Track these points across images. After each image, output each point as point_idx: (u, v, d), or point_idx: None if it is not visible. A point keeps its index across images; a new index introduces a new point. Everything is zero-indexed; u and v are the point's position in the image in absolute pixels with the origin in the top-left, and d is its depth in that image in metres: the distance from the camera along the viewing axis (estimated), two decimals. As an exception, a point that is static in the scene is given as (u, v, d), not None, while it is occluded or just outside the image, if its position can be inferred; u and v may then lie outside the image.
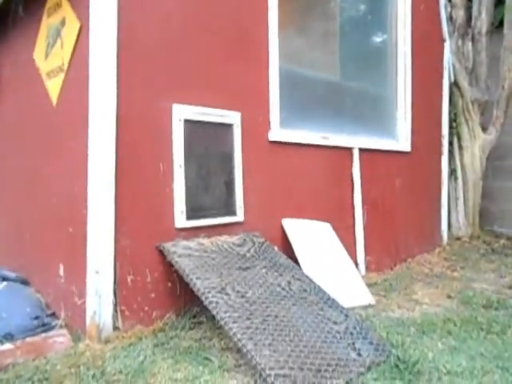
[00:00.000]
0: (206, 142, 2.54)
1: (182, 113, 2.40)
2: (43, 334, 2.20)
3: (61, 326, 2.31)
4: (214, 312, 1.91)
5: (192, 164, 2.45)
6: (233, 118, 2.66)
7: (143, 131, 2.29)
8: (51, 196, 2.53)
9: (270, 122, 2.90)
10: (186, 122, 2.42)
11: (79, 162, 2.18)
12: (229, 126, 2.64)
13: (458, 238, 5.01)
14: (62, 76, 2.39)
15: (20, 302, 2.45)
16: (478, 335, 2.16)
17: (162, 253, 2.29)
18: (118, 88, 2.16)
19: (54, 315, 2.43)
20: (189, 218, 2.40)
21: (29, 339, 2.14)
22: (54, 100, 2.47)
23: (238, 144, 2.67)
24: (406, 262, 3.95)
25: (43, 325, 2.31)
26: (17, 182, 3.02)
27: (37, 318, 2.34)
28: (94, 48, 2.12)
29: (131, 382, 1.71)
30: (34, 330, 2.25)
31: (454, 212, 5.14)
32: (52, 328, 2.29)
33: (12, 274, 2.71)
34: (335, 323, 2.07)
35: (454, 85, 5.00)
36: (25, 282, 2.74)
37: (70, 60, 2.32)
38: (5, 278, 2.66)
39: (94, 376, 1.74)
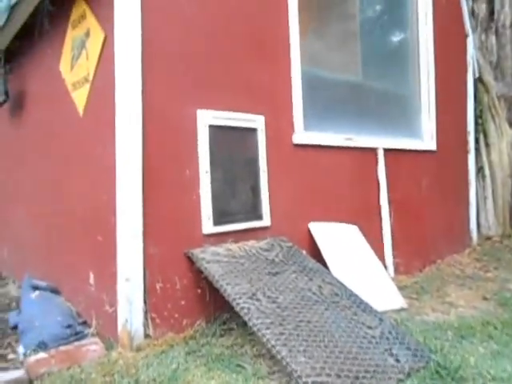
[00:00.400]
0: (231, 147, 2.53)
1: (206, 118, 2.40)
2: (76, 343, 2.21)
3: (92, 335, 2.32)
4: (246, 318, 1.89)
5: (217, 169, 2.44)
6: (257, 122, 2.64)
7: (169, 138, 2.29)
8: (79, 205, 2.56)
9: (293, 124, 2.87)
10: (211, 127, 2.41)
11: (107, 170, 2.20)
12: (253, 131, 2.62)
13: (489, 238, 4.86)
14: (87, 86, 2.42)
15: (52, 311, 2.47)
16: (520, 339, 2.07)
17: (190, 259, 2.28)
18: (143, 96, 2.17)
19: (85, 324, 2.45)
20: (216, 223, 2.39)
21: (62, 348, 2.16)
22: (81, 110, 2.50)
23: (262, 148, 2.65)
24: (436, 264, 3.84)
25: (76, 333, 2.32)
26: (45, 192, 3.07)
27: (69, 326, 2.35)
28: (119, 57, 2.14)
29: (166, 391, 1.69)
30: (67, 338, 2.26)
31: (483, 211, 4.99)
32: (84, 336, 2.30)
33: (43, 283, 2.74)
34: (370, 328, 2.01)
35: (479, 80, 4.88)
36: (55, 291, 2.77)
37: (96, 70, 2.35)
38: (36, 287, 2.69)
39: (128, 384, 1.74)
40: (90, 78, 2.39)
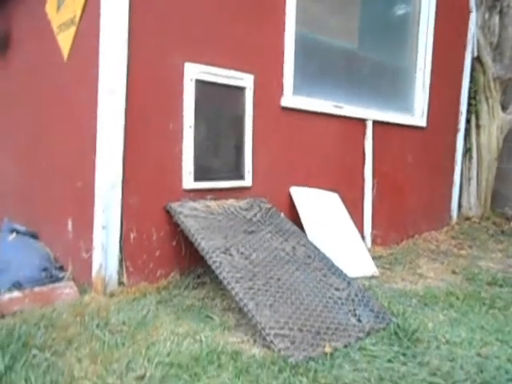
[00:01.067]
0: (218, 104, 2.50)
1: (194, 72, 2.35)
2: (51, 285, 2.25)
3: (68, 279, 2.36)
4: (217, 271, 1.93)
5: (202, 125, 2.42)
6: (246, 80, 2.60)
7: (154, 88, 2.25)
8: (61, 150, 2.54)
9: (283, 87, 2.84)
10: (198, 81, 2.37)
11: (88, 117, 2.17)
12: (241, 89, 2.59)
13: (468, 218, 4.95)
14: (73, 29, 2.35)
15: (29, 254, 2.50)
16: (480, 309, 2.16)
17: (168, 213, 2.31)
18: (129, 43, 2.12)
19: (61, 268, 2.48)
20: (197, 179, 2.40)
21: (37, 288, 2.20)
22: (66, 54, 2.44)
23: (249, 108, 2.63)
24: (413, 238, 3.93)
25: (51, 277, 2.36)
26: (27, 135, 3.03)
27: (45, 269, 2.39)
28: (106, 1, 2.07)
29: (134, 333, 1.74)
30: (42, 280, 2.31)
31: (466, 192, 5.06)
32: (59, 280, 2.35)
33: (22, 228, 2.76)
34: (337, 289, 2.08)
35: (477, 60, 4.82)
36: (34, 236, 2.79)
37: (82, 12, 2.27)
38: (15, 231, 2.71)
39: (98, 325, 1.79)
40: (77, 20, 2.32)
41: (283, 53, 2.84)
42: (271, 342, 1.66)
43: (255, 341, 1.76)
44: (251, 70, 2.64)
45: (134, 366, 1.52)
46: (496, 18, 4.91)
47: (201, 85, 2.39)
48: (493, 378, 1.50)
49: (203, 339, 1.72)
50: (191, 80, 2.35)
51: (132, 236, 2.20)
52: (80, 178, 2.32)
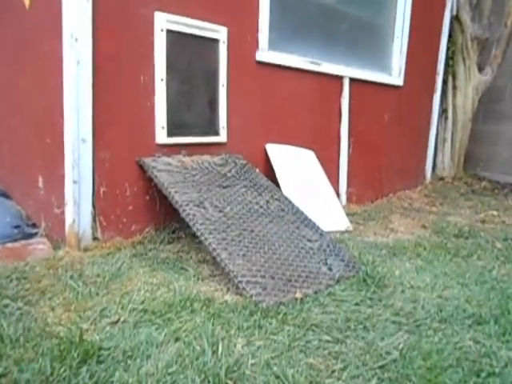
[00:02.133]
0: (191, 57, 2.43)
1: (164, 22, 2.27)
2: (23, 241, 2.24)
3: (41, 236, 2.34)
4: (191, 223, 1.95)
5: (175, 79, 2.36)
6: (220, 33, 2.53)
7: (123, 38, 2.17)
8: (28, 105, 2.45)
9: (258, 41, 2.77)
10: (170, 32, 2.29)
11: (54, 68, 2.08)
12: (215, 41, 2.51)
13: (441, 178, 5.08)
14: (34, -27, 2.21)
15: (0, 213, 2.46)
16: (444, 258, 2.26)
17: (142, 168, 2.28)
18: (94, -12, 2.01)
19: (34, 226, 2.46)
20: (170, 134, 2.36)
21: (9, 245, 2.19)
22: (27, 2, 2.30)
23: (223, 61, 2.56)
24: (388, 197, 4.03)
25: (23, 234, 2.34)
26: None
27: (17, 227, 2.37)
28: None
29: (108, 284, 1.76)
30: (14, 237, 2.28)
31: (441, 152, 5.16)
32: (32, 237, 2.33)
33: (-9, 186, 2.70)
34: (309, 241, 2.13)
35: (456, 19, 4.79)
36: (5, 195, 2.73)
37: (43, -46, 2.13)
38: (-16, 190, 2.65)
39: (71, 277, 1.80)
40: (37, -37, 2.18)
41: (258, 6, 2.75)
42: (243, 288, 1.71)
43: (228, 289, 1.81)
44: (225, 23, 2.56)
45: (107, 313, 1.54)
46: (476, -24, 4.85)
47: (172, 35, 2.31)
48: (451, 316, 1.59)
49: (177, 288, 1.75)
50: (162, 30, 2.26)
51: (104, 191, 2.17)
52: (49, 133, 2.26)
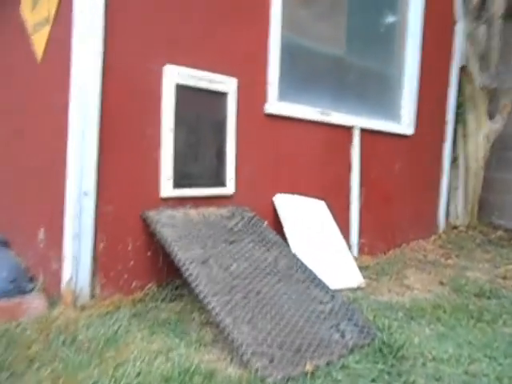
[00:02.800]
0: (199, 108, 2.41)
1: (174, 75, 2.26)
2: (18, 298, 2.13)
3: (38, 291, 2.23)
4: (194, 285, 1.83)
5: (182, 130, 2.33)
6: (229, 85, 2.52)
7: (131, 91, 2.16)
8: (34, 156, 2.43)
9: (267, 93, 2.76)
10: (178, 84, 2.28)
11: (61, 120, 2.06)
12: (224, 94, 2.50)
13: (455, 227, 4.92)
14: (47, 28, 2.25)
15: (-2, 265, 2.37)
16: (467, 323, 2.09)
17: (145, 221, 2.20)
18: (105, 43, 2.02)
19: (32, 279, 2.35)
20: (176, 186, 2.30)
21: (3, 301, 2.07)
22: (39, 55, 2.33)
23: (232, 113, 2.54)
24: (401, 248, 3.87)
25: (20, 288, 2.23)
26: (0, 141, 2.90)
27: (13, 281, 2.26)
28: (81, -2, 1.98)
29: (102, 351, 1.63)
30: (10, 293, 2.18)
31: (453, 200, 5.04)
32: (29, 292, 2.22)
33: (-8, 236, 2.63)
34: (320, 303, 1.99)
35: (463, 70, 4.82)
36: (6, 244, 2.66)
37: (57, 11, 2.17)
38: (-16, 240, 2.58)
39: (64, 342, 1.67)
40: (51, 19, 2.22)
41: (268, 57, 2.77)
42: (248, 360, 1.56)
43: (232, 359, 1.66)
44: (235, 75, 2.56)
45: (99, 388, 1.41)
46: (482, 28, 4.93)
47: (181, 88, 2.30)
48: (481, 400, 1.42)
49: (176, 358, 1.61)
50: (171, 83, 2.26)
51: (106, 246, 2.08)
52: (52, 185, 2.21)
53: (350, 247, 3.34)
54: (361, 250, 3.48)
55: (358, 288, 2.63)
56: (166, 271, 2.28)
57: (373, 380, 1.53)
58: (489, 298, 2.53)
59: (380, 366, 1.63)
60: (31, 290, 2.23)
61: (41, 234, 2.31)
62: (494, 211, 5.37)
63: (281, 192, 2.86)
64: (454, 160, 4.98)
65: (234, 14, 2.57)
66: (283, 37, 2.83)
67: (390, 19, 4.09)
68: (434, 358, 1.71)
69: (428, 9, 3.98)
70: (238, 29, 2.58)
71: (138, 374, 1.48)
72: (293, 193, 2.92)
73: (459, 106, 4.89)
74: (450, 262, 3.50)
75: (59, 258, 2.07)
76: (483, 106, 4.95)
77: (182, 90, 2.31)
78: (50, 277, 2.18)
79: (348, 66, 3.53)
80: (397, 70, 3.97)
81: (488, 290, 2.63)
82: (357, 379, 1.53)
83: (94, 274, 2.06)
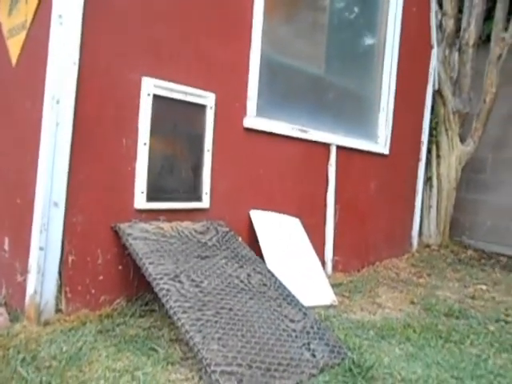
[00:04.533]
0: (176, 122, 2.39)
1: (151, 87, 2.25)
2: (-22, 312, 2.03)
3: (0, 305, 2.14)
4: (164, 300, 1.79)
5: (158, 143, 2.30)
6: (207, 99, 2.52)
7: (106, 102, 2.12)
8: (2, 163, 2.34)
9: (246, 107, 2.77)
10: (156, 97, 2.26)
11: (33, 128, 2.01)
12: (202, 107, 2.50)
13: (428, 246, 5.03)
14: (23, 34, 2.20)
15: (-42, 275, 2.26)
16: (436, 343, 2.11)
17: (117, 234, 2.15)
18: (81, 52, 1.99)
19: (-6, 292, 2.25)
20: (149, 199, 2.26)
21: (-40, 316, 1.97)
22: (14, 60, 2.27)
23: (209, 127, 2.53)
24: (374, 265, 3.91)
25: (-20, 301, 2.13)
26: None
27: (-26, 293, 2.16)
28: (58, 4, 1.95)
29: (63, 370, 1.56)
30: (-31, 306, 2.08)
31: (426, 220, 5.16)
32: (-10, 305, 2.12)
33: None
34: (292, 321, 1.97)
35: (438, 93, 4.99)
36: (-32, 255, 2.54)
37: (34, 17, 2.13)
38: None
39: (23, 360, 1.59)
40: (27, 24, 2.17)
41: (248, 73, 2.79)
42: (217, 380, 1.52)
43: (200, 378, 1.62)
44: (213, 89, 2.56)
45: (57, 410, 1.34)
46: (456, 55, 5.13)
47: (159, 100, 2.28)
48: (447, 422, 1.43)
49: (142, 377, 1.56)
50: (148, 95, 2.24)
51: (73, 259, 2.02)
52: (20, 193, 2.14)
53: (324, 264, 3.36)
54: (335, 268, 3.49)
55: (331, 305, 2.63)
56: (136, 285, 2.23)
57: (342, 401, 1.52)
58: (457, 317, 2.57)
59: (349, 386, 1.62)
60: (-8, 304, 2.13)
61: (6, 244, 2.22)
62: (464, 231, 5.53)
63: (257, 207, 2.85)
64: (428, 180, 5.12)
65: (215, 29, 2.58)
66: (263, 53, 2.86)
67: (369, 41, 4.21)
68: (402, 379, 1.71)
69: (405, 33, 4.11)
70: (218, 43, 2.59)
71: (101, 395, 1.42)
72: (268, 208, 2.92)
73: (433, 127, 5.05)
74: (421, 280, 3.56)
75: (24, 271, 1.99)
76: (456, 128, 5.12)
77: (159, 103, 2.29)
78: (14, 289, 2.09)
79: (326, 85, 3.59)
80: (374, 91, 4.07)
81: (457, 309, 2.68)
82: (326, 400, 1.52)
83: (59, 287, 1.99)
